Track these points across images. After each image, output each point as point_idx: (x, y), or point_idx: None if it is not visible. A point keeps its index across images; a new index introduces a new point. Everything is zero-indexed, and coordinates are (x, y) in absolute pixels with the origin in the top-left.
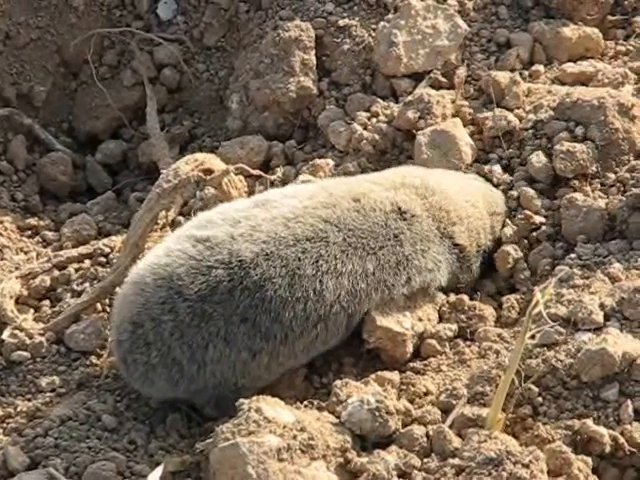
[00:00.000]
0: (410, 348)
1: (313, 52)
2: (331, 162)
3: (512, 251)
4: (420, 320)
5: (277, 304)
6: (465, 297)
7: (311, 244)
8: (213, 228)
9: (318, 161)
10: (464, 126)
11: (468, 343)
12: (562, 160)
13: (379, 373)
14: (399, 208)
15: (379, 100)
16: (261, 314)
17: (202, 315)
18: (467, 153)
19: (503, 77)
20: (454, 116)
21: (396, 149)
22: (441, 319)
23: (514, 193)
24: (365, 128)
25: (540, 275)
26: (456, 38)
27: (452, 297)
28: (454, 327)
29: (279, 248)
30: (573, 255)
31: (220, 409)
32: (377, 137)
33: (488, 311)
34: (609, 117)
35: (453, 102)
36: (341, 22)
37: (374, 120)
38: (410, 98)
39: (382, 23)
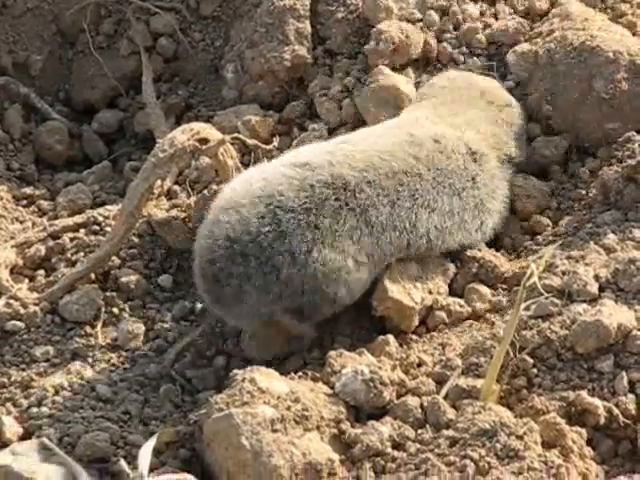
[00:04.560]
0: (416, 321)
1: (308, 21)
2: (324, 129)
3: None
4: (430, 293)
5: (378, 229)
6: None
7: (407, 178)
8: (307, 157)
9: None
10: None
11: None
12: None
13: (373, 343)
14: (470, 149)
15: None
16: (364, 236)
17: (307, 225)
18: None
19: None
20: None
21: None
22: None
23: None
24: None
25: None
26: None
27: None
28: (462, 302)
29: (379, 177)
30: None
31: (309, 319)
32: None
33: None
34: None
35: None
36: None
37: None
38: None
39: None
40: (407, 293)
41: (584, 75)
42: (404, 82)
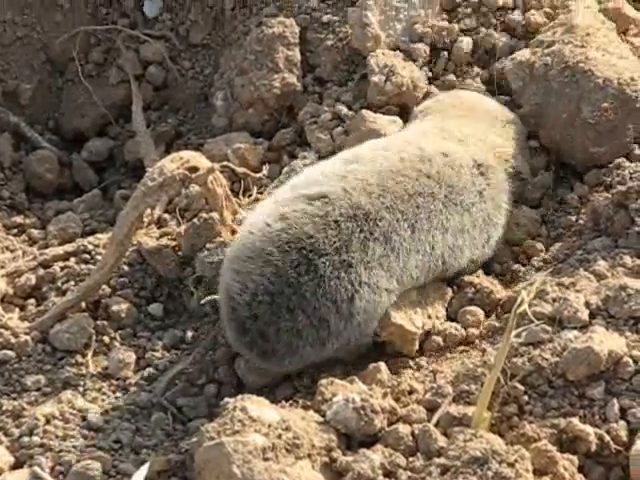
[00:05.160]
0: (417, 346)
1: (297, 48)
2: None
3: None
4: (429, 318)
5: (404, 254)
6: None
7: (422, 199)
8: (321, 185)
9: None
10: None
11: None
12: None
13: (364, 371)
14: (476, 161)
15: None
16: (392, 262)
17: (341, 265)
18: None
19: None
20: None
21: None
22: None
23: None
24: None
25: None
26: (432, 5)
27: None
28: (459, 326)
29: (396, 202)
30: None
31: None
32: None
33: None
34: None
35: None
36: (325, 18)
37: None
38: None
39: (350, 9)
40: (409, 319)
41: (574, 96)
42: (388, 124)
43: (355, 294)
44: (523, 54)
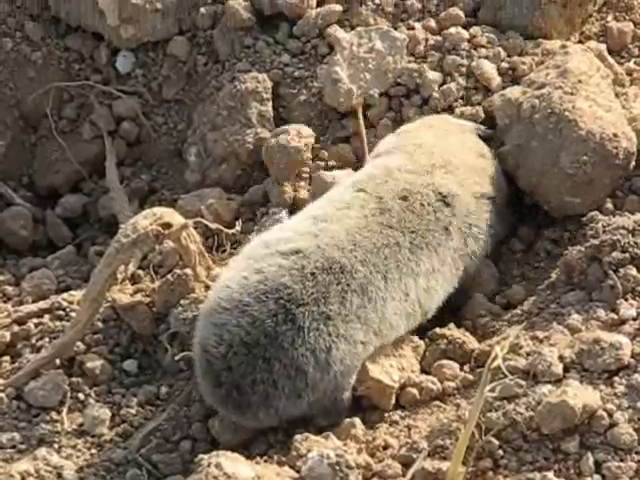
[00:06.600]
0: (394, 400)
1: (270, 103)
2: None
3: None
4: (403, 370)
5: (381, 303)
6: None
7: (389, 250)
8: (295, 242)
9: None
10: None
11: None
12: None
13: (339, 427)
14: (440, 194)
15: None
16: (370, 313)
17: (319, 316)
18: None
19: None
20: None
21: None
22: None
23: None
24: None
25: None
26: (399, 50)
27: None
28: (435, 379)
29: (367, 255)
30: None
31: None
32: None
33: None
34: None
35: None
36: (297, 73)
37: None
38: None
39: (320, 67)
40: (386, 372)
41: (556, 144)
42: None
43: (332, 345)
44: (513, 92)
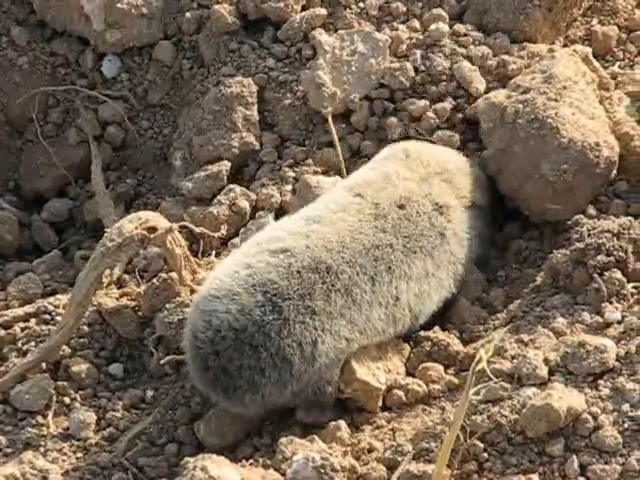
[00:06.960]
0: (380, 402)
1: (255, 107)
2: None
3: None
4: (389, 372)
5: (366, 307)
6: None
7: (380, 251)
8: (284, 241)
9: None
10: None
11: None
12: None
13: (324, 430)
14: (436, 204)
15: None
16: (354, 313)
17: (305, 311)
18: None
19: None
20: None
21: None
22: None
23: None
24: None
25: None
26: (382, 52)
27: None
28: (420, 382)
29: (355, 257)
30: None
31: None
32: None
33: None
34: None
35: None
36: (282, 77)
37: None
38: None
39: (303, 71)
40: (372, 374)
41: (537, 151)
42: (330, 183)
43: (318, 338)
44: (498, 95)
